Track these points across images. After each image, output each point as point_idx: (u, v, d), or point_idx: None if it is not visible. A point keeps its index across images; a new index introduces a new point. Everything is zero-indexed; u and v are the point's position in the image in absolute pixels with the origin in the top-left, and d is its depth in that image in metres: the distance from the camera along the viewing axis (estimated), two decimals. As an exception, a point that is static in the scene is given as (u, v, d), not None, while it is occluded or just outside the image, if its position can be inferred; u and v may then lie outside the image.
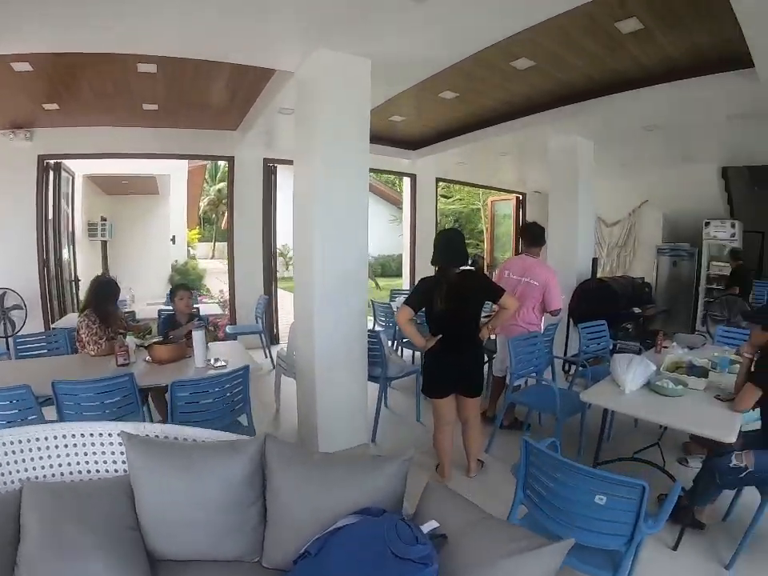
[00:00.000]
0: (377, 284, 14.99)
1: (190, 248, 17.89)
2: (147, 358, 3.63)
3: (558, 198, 6.66)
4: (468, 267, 3.25)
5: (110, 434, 2.03)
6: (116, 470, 2.02)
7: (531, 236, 4.40)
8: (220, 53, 3.86)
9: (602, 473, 1.83)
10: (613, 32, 3.72)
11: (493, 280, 3.33)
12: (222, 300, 9.76)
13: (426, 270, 6.89)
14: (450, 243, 3.23)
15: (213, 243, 25.48)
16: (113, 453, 2.03)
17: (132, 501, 1.86)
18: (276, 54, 3.85)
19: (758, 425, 2.90)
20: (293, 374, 4.31)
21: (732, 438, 2.40)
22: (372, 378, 4.16)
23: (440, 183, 10.28)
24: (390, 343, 6.17)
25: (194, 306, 5.25)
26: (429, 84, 4.82)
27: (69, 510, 1.72)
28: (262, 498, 1.91)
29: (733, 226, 8.13)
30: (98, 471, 2.02)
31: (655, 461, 3.23)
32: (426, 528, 1.54)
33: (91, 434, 2.03)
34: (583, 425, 3.78)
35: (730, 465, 2.59)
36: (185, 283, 4.32)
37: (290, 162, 4.75)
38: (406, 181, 9.05)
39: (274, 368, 5.58)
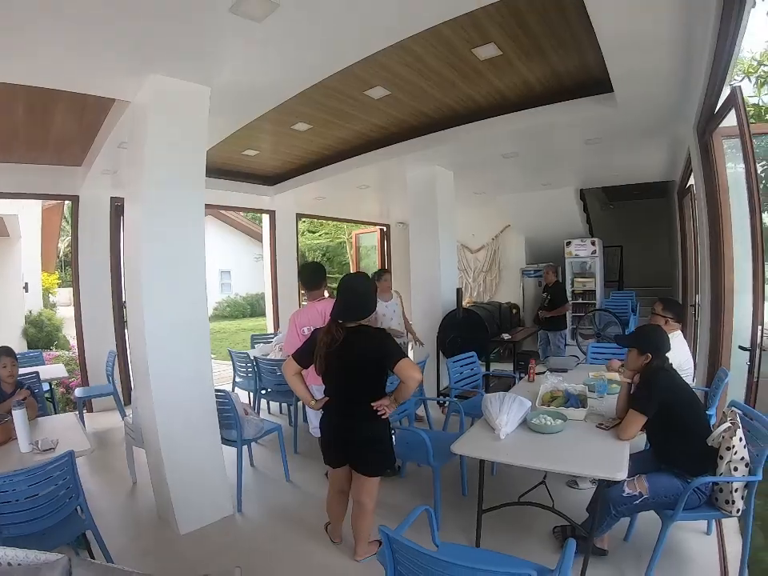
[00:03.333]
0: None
1: (49, 294, 16.15)
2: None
3: (419, 229, 6.71)
4: (364, 323, 2.75)
5: None
6: None
7: (304, 280, 4.15)
8: (47, 78, 3.34)
9: (481, 563, 1.50)
10: (470, 58, 3.72)
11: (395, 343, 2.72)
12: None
13: (289, 310, 6.59)
14: (345, 292, 2.76)
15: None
16: None
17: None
18: (110, 80, 3.39)
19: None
20: (141, 445, 3.78)
21: (623, 476, 2.30)
22: (227, 441, 3.79)
23: (304, 218, 10.07)
24: (250, 396, 5.83)
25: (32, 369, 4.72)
26: (280, 116, 4.64)
27: None
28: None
29: (593, 243, 8.76)
30: None
31: (543, 499, 3.06)
32: None
33: None
34: (463, 466, 3.68)
35: (623, 494, 2.54)
36: (7, 347, 3.69)
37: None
38: (265, 218, 8.74)
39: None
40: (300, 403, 4.94)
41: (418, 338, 5.73)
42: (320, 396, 2.95)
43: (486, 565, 1.49)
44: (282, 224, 8.61)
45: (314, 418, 3.81)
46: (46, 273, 15.46)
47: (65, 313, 14.24)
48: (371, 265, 11.96)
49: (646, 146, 5.65)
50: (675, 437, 2.62)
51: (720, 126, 3.73)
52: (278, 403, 6.06)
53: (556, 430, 2.81)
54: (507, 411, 2.87)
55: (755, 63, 6.57)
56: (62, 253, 21.24)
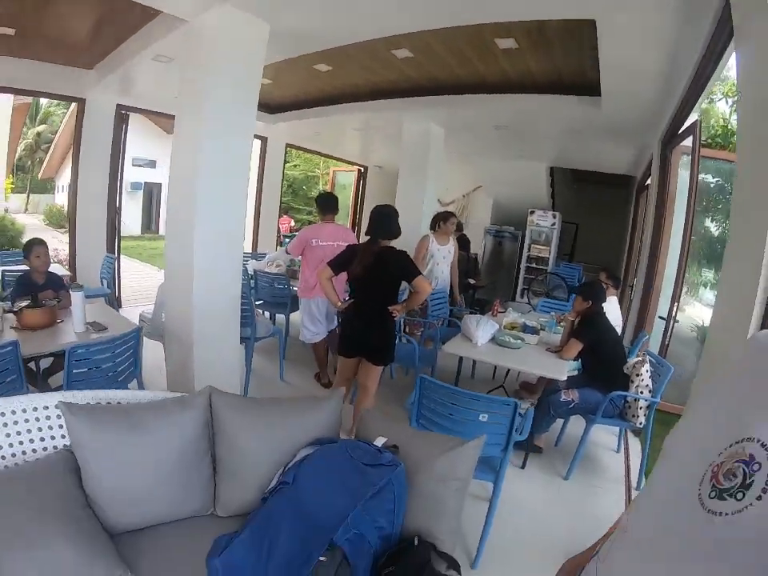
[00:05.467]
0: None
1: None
2: (14, 324, 3.38)
3: (408, 178, 7.42)
4: (390, 245, 3.48)
5: (35, 408, 1.96)
6: (55, 446, 1.97)
7: (325, 204, 4.77)
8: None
9: (486, 396, 2.57)
10: (491, 46, 4.45)
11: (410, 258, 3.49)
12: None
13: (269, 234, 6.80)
14: (383, 218, 3.48)
15: (27, 195, 21.89)
16: (42, 429, 1.97)
17: (79, 477, 1.84)
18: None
19: (575, 372, 4.02)
20: (158, 337, 4.28)
21: (564, 377, 3.43)
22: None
23: (291, 149, 10.42)
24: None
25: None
26: (306, 54, 4.95)
27: (12, 498, 1.64)
28: (210, 450, 2.09)
29: (554, 216, 9.89)
30: (33, 451, 1.94)
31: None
32: (379, 442, 2.00)
33: (13, 411, 1.91)
34: (434, 375, 4.47)
35: (561, 399, 3.58)
36: (40, 238, 4.07)
37: (144, 111, 4.10)
38: (256, 143, 8.80)
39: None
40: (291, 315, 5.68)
41: (458, 298, 6.11)
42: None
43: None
44: (272, 152, 8.90)
45: (311, 325, 4.69)
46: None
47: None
48: (346, 203, 12.60)
49: (617, 144, 6.71)
50: (601, 363, 3.75)
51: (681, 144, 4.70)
52: (268, 313, 6.50)
53: (516, 347, 3.90)
54: (482, 328, 3.92)
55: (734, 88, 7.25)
56: (16, 157, 20.58)
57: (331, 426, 2.22)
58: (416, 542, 1.78)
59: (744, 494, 0.54)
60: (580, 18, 3.48)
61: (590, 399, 3.56)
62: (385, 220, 3.50)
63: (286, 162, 18.79)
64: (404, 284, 3.64)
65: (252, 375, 4.67)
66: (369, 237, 3.49)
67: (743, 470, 0.55)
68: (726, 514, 0.55)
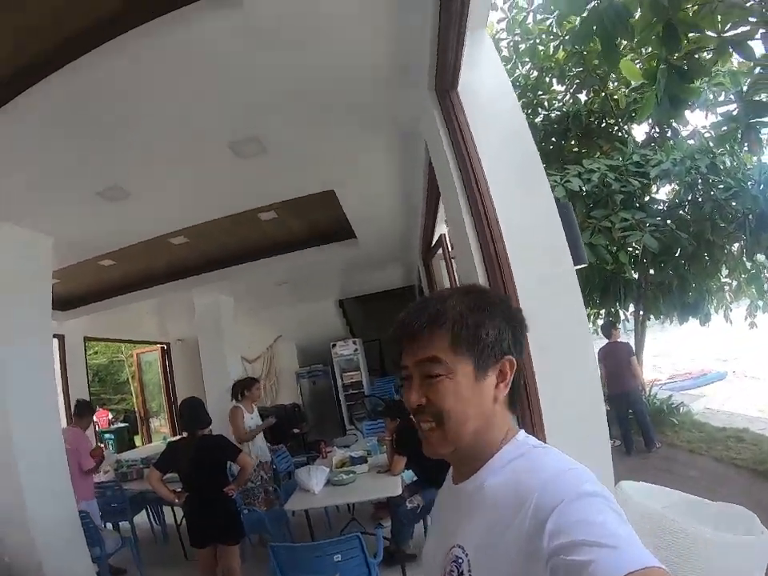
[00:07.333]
0: None
1: None
2: None
3: (208, 347, 7.69)
4: (207, 432, 3.67)
5: None
6: None
7: (79, 411, 5.12)
8: None
9: (330, 541, 2.81)
10: (256, 220, 5.13)
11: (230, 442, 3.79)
12: None
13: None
14: (191, 411, 3.68)
15: None
16: None
17: None
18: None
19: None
20: None
21: (398, 491, 3.79)
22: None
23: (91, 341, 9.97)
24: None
25: None
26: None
27: None
28: None
29: (354, 342, 10.67)
30: None
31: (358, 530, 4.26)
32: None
33: None
34: (291, 531, 4.62)
35: (408, 508, 3.92)
36: None
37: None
38: (54, 342, 8.25)
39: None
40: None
41: None
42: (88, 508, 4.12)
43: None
44: (71, 349, 8.43)
45: None
46: None
47: None
48: (156, 379, 12.10)
49: (386, 268, 8.06)
50: (428, 464, 4.04)
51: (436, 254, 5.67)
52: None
53: (350, 481, 4.18)
54: (315, 476, 4.15)
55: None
56: None
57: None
58: None
59: None
60: (322, 191, 4.37)
61: (433, 497, 3.88)
62: (193, 412, 3.70)
63: (86, 350, 17.62)
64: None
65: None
66: (185, 430, 3.66)
67: (456, 566, 0.86)
68: None
